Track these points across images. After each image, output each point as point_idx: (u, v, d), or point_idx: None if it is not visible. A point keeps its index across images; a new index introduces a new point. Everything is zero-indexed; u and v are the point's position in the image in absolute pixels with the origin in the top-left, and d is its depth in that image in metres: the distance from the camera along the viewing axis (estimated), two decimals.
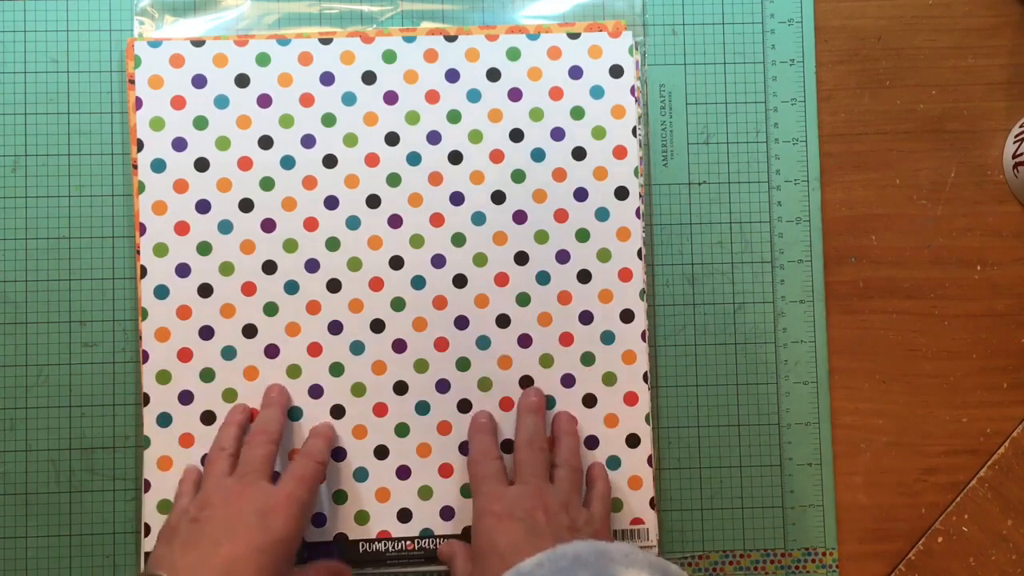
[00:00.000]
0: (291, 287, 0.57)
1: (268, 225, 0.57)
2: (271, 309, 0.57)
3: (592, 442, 0.57)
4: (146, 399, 0.56)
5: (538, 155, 0.58)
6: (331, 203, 0.57)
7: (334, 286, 0.57)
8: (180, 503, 0.52)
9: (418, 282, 0.57)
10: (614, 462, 0.57)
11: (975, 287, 0.60)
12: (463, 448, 0.56)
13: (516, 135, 0.58)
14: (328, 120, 0.57)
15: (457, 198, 0.57)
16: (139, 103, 0.57)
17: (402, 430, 0.57)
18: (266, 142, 0.57)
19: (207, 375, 0.56)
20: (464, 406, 0.57)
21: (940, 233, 0.60)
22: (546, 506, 0.50)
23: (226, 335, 0.56)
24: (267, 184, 0.57)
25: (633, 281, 0.57)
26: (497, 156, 0.58)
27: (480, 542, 0.50)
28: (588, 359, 0.57)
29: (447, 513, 0.56)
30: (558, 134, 0.58)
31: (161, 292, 0.56)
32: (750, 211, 0.59)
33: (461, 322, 0.57)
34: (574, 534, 0.49)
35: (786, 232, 0.59)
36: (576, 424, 0.56)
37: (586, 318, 0.57)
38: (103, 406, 0.57)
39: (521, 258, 0.57)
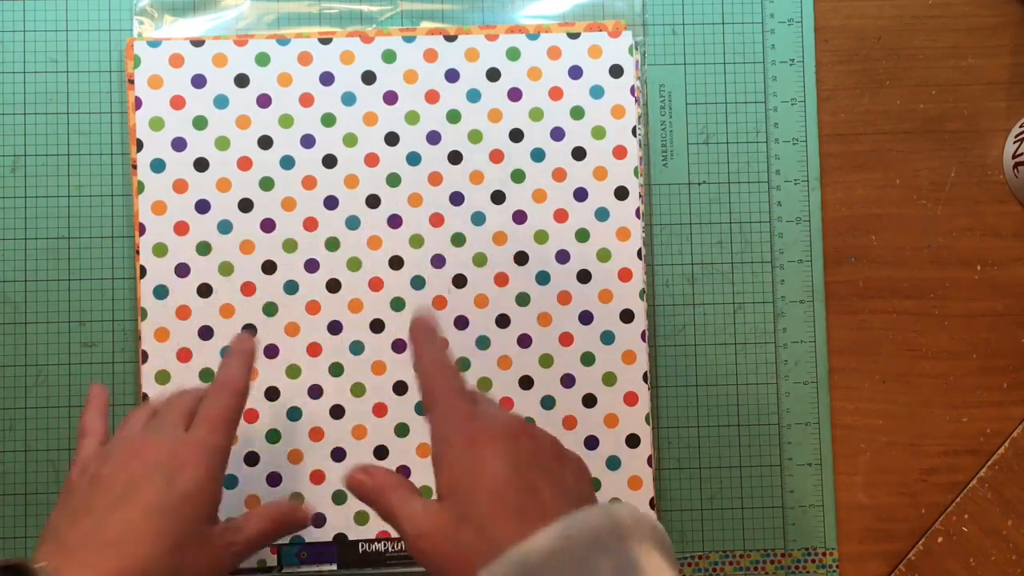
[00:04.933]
0: (291, 287, 0.57)
1: (268, 225, 0.57)
2: (271, 309, 0.57)
3: (592, 442, 0.57)
4: (145, 399, 0.56)
5: (538, 155, 0.58)
6: (331, 203, 0.57)
7: (334, 286, 0.57)
8: (80, 464, 0.46)
9: (418, 282, 0.57)
10: (614, 462, 0.57)
11: (975, 287, 0.60)
12: None
13: (516, 135, 0.58)
14: (328, 120, 0.57)
15: (457, 198, 0.57)
16: (138, 103, 0.57)
17: (402, 430, 0.57)
18: (266, 142, 0.57)
19: (207, 375, 0.56)
20: None
21: (940, 233, 0.60)
22: (530, 431, 0.41)
23: (226, 335, 0.56)
24: (267, 184, 0.57)
25: (633, 281, 0.57)
26: (497, 156, 0.58)
27: (455, 472, 0.40)
28: (588, 359, 0.57)
29: None
30: (558, 134, 0.58)
31: (160, 292, 0.56)
32: (750, 211, 0.59)
33: (461, 322, 0.57)
34: (563, 464, 0.41)
35: (786, 232, 0.59)
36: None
37: (586, 318, 0.57)
38: None
39: (521, 258, 0.57)
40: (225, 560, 0.44)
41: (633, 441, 0.57)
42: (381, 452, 0.56)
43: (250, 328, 0.55)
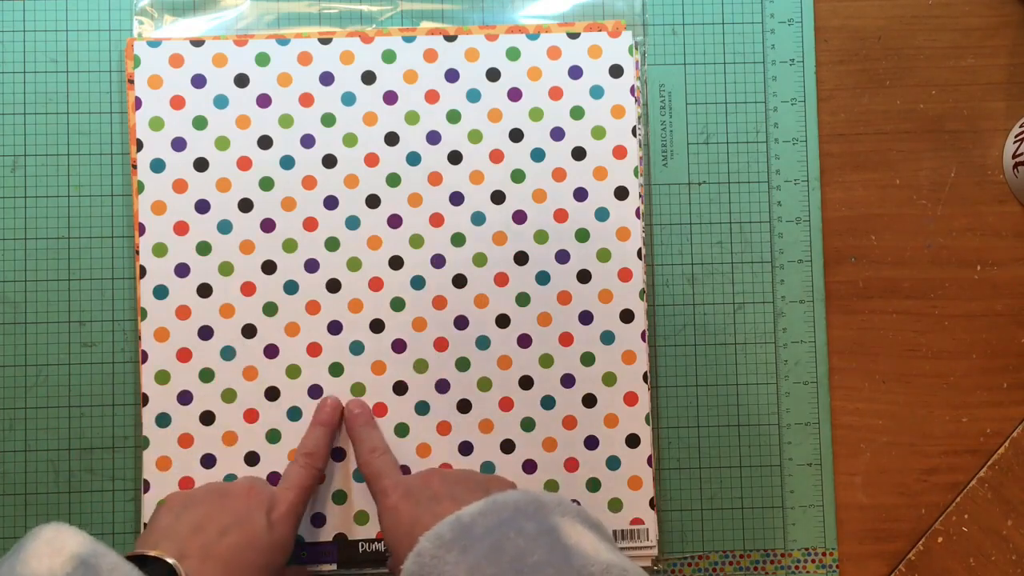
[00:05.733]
0: (291, 287, 0.57)
1: (268, 225, 0.57)
2: (270, 309, 0.57)
3: (592, 442, 0.57)
4: (145, 399, 0.56)
5: (538, 155, 0.58)
6: (331, 203, 0.57)
7: (334, 286, 0.57)
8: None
9: (418, 282, 0.57)
10: (614, 462, 0.57)
11: (975, 287, 0.60)
12: (463, 448, 0.56)
13: (516, 135, 0.58)
14: (328, 120, 0.57)
15: (457, 198, 0.57)
16: (138, 103, 0.57)
17: (402, 430, 0.57)
18: (266, 142, 0.57)
19: (206, 375, 0.56)
20: (464, 406, 0.57)
21: (940, 233, 0.60)
22: (441, 475, 0.51)
23: (225, 335, 0.56)
24: (267, 184, 0.57)
25: (633, 281, 0.57)
26: (497, 156, 0.58)
27: (388, 536, 0.49)
28: (588, 359, 0.57)
29: None
30: (558, 134, 0.58)
31: (160, 292, 0.56)
32: (750, 211, 0.59)
33: (461, 322, 0.57)
34: (472, 486, 0.49)
35: (786, 232, 0.59)
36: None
37: (586, 318, 0.57)
38: (102, 406, 0.57)
39: (521, 258, 0.57)
40: None
41: (633, 441, 0.57)
42: None
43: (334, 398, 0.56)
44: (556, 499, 0.44)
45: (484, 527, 0.42)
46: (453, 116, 0.58)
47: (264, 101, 0.57)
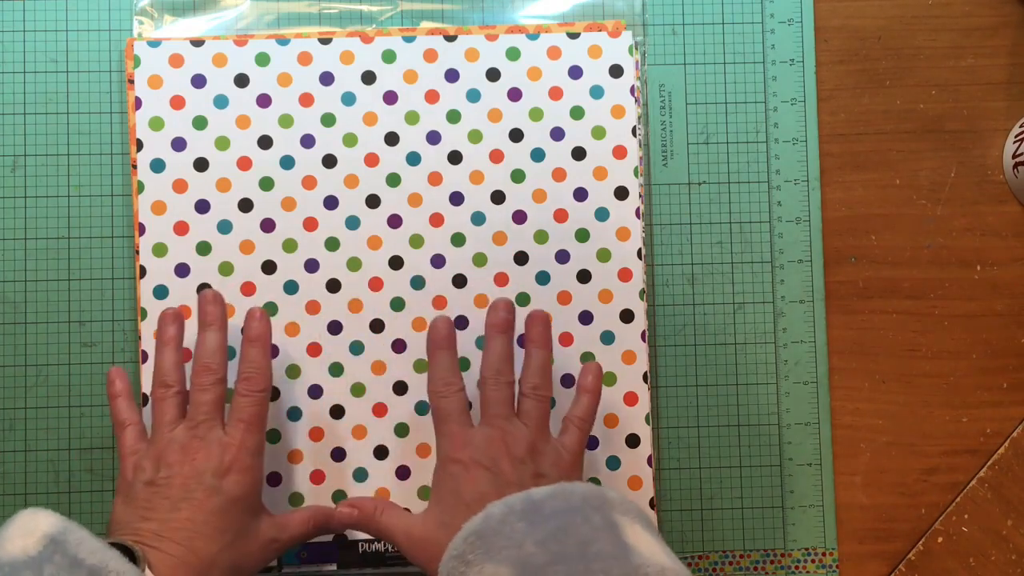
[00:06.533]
0: (290, 287, 0.57)
1: (268, 225, 0.57)
2: (270, 309, 0.57)
3: (592, 442, 0.57)
4: (145, 399, 0.56)
5: (538, 155, 0.58)
6: (331, 203, 0.57)
7: (334, 286, 0.57)
8: (132, 460, 0.50)
9: (418, 282, 0.57)
10: (614, 462, 0.57)
11: (975, 287, 0.60)
12: None
13: (516, 135, 0.58)
14: (328, 120, 0.57)
15: (457, 198, 0.57)
16: (138, 103, 0.57)
17: (402, 430, 0.57)
18: (266, 142, 0.57)
19: None
20: None
21: (940, 233, 0.60)
22: (512, 454, 0.49)
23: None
24: (267, 184, 0.57)
25: (633, 281, 0.57)
26: (497, 156, 0.58)
27: (444, 489, 0.50)
28: (588, 359, 0.57)
29: None
30: (558, 134, 0.58)
31: (160, 292, 0.56)
32: (750, 211, 0.59)
33: (461, 322, 0.57)
34: (538, 480, 0.49)
35: (786, 232, 0.59)
36: (548, 331, 0.53)
37: (586, 318, 0.57)
38: (102, 406, 0.57)
39: (521, 258, 0.57)
40: (269, 552, 0.51)
41: (633, 441, 0.57)
42: (381, 452, 0.56)
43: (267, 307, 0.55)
44: (620, 497, 0.46)
45: (553, 508, 0.44)
46: (453, 116, 0.58)
47: (264, 101, 0.57)
